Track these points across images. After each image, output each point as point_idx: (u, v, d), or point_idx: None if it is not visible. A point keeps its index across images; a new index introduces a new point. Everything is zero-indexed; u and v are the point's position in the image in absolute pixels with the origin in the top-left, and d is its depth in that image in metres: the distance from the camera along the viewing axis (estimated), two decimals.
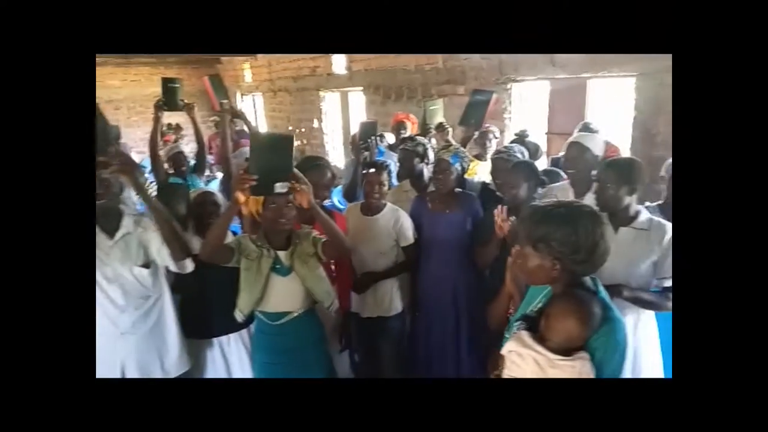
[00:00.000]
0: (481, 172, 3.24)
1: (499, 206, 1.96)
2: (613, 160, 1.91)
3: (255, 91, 9.48)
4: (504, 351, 1.19)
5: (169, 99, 3.04)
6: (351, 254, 2.25)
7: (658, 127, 3.12)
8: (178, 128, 7.32)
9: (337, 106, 7.27)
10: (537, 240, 1.14)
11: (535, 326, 1.17)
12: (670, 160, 2.07)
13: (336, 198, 3.65)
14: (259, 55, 8.54)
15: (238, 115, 3.57)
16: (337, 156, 7.30)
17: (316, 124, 7.62)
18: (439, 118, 3.51)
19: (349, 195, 3.11)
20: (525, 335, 1.15)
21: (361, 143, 3.08)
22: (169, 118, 8.56)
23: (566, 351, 1.10)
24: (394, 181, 3.27)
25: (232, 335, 2.24)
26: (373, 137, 3.12)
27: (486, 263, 2.20)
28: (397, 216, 2.40)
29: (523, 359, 1.13)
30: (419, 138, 3.02)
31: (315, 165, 2.30)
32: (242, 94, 9.99)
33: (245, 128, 4.15)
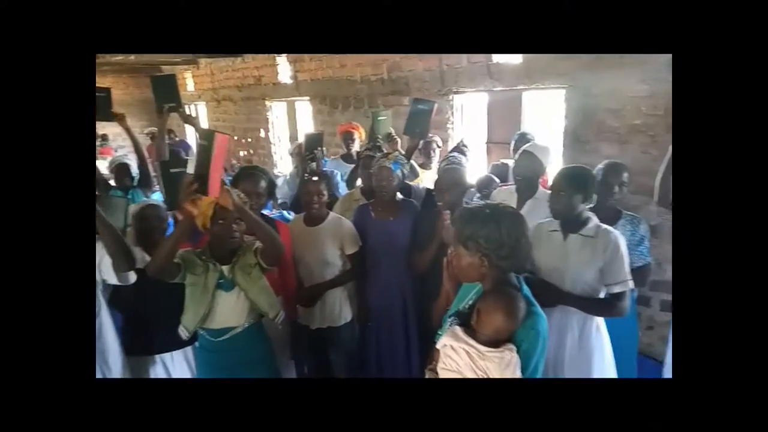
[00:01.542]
0: (426, 180, 3.35)
1: (445, 211, 2.04)
2: (567, 168, 1.96)
3: (198, 100, 9.23)
4: (439, 345, 1.27)
5: (97, 108, 2.89)
6: (288, 265, 2.24)
7: (587, 136, 3.36)
8: (104, 138, 6.99)
9: (284, 115, 7.23)
10: (466, 238, 1.26)
11: (467, 321, 1.26)
12: (600, 166, 2.26)
13: (285, 211, 3.64)
14: (202, 64, 8.34)
15: (188, 120, 3.38)
16: (284, 166, 7.24)
17: (262, 133, 7.53)
18: (387, 128, 3.59)
19: (296, 206, 3.11)
20: (458, 330, 1.24)
21: (307, 154, 3.08)
22: (103, 128, 8.18)
23: (495, 343, 1.20)
24: (342, 191, 3.33)
25: (175, 352, 2.17)
26: (319, 148, 3.14)
27: (422, 268, 2.26)
28: (340, 224, 2.43)
29: (456, 352, 1.22)
30: (381, 146, 3.10)
31: (249, 174, 2.30)
32: (184, 104, 9.67)
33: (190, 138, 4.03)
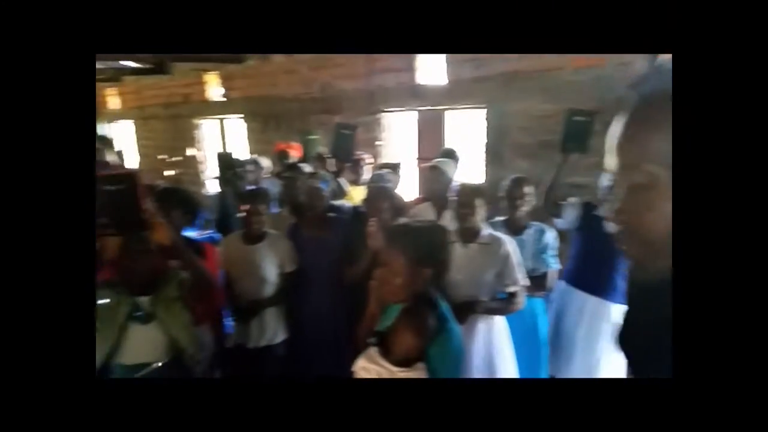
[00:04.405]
0: (357, 197, 3.43)
1: (372, 219, 2.12)
2: (465, 184, 2.17)
3: (123, 118, 8.81)
4: (355, 367, 1.29)
5: None
6: (215, 293, 2.16)
7: (504, 153, 3.60)
8: None
9: (215, 134, 7.07)
10: (395, 251, 1.27)
11: (382, 343, 1.29)
12: (506, 181, 2.45)
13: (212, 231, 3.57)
14: (127, 81, 8.00)
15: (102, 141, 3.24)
16: (213, 185, 7.05)
17: (190, 152, 7.32)
18: (318, 148, 3.65)
19: (222, 227, 3.08)
20: (373, 351, 1.27)
21: (228, 173, 3.09)
22: None
23: (407, 362, 1.23)
24: (275, 209, 3.33)
25: None
26: (240, 167, 3.14)
27: (352, 280, 2.31)
28: (280, 243, 2.45)
29: (369, 374, 1.24)
30: (302, 165, 3.15)
31: (172, 195, 2.23)
32: (109, 121, 9.21)
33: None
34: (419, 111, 4.22)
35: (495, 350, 2.05)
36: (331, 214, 2.60)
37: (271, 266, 2.39)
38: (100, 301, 1.70)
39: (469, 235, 2.04)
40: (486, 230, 2.07)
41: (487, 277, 2.00)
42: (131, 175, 1.55)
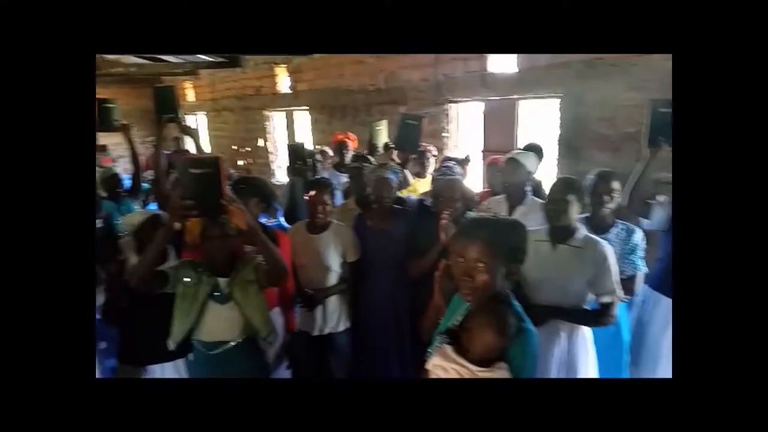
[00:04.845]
0: (421, 189, 3.35)
1: (445, 212, 2.05)
2: (561, 178, 1.99)
3: (198, 110, 9.29)
4: (429, 366, 1.24)
5: (103, 119, 2.94)
6: (288, 279, 2.24)
7: (581, 145, 3.38)
8: (103, 149, 7.02)
9: (283, 125, 7.27)
10: (467, 244, 1.20)
11: (456, 339, 1.24)
12: (591, 175, 2.28)
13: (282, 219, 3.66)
14: (202, 74, 8.41)
15: (187, 132, 3.34)
16: (282, 175, 7.27)
17: (260, 143, 7.57)
18: (384, 138, 3.62)
19: (290, 216, 3.12)
20: (448, 349, 1.22)
21: (298, 164, 3.12)
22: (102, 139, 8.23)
23: (486, 362, 1.18)
24: (338, 200, 3.35)
25: (167, 364, 2.13)
26: (310, 158, 3.17)
27: (416, 275, 2.26)
28: (344, 232, 2.45)
29: (447, 373, 1.19)
30: (370, 157, 3.14)
31: (249, 184, 2.32)
32: (185, 114, 9.76)
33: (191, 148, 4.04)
34: (487, 101, 4.07)
35: (576, 360, 1.85)
36: (396, 207, 2.56)
37: (334, 255, 2.41)
38: (184, 280, 1.82)
39: (562, 235, 1.84)
40: (581, 231, 1.85)
41: (577, 283, 1.79)
42: (216, 159, 1.61)
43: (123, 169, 3.80)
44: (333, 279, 2.44)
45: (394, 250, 2.45)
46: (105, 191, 3.32)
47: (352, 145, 4.01)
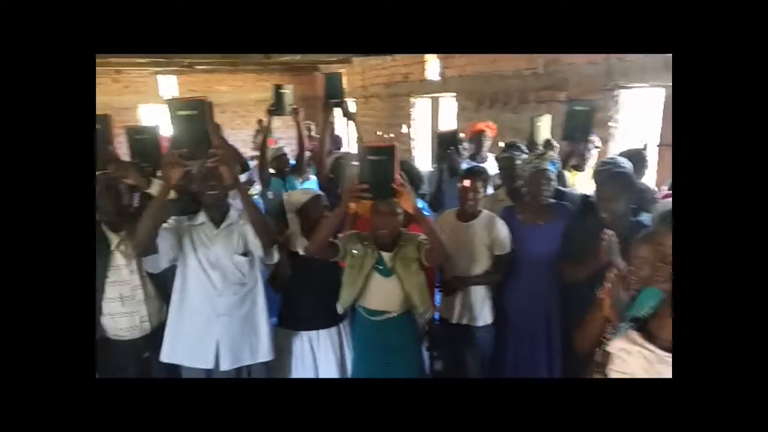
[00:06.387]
0: (579, 183, 3.07)
1: (607, 231, 1.83)
2: None
3: (348, 97, 9.78)
4: (613, 349, 1.23)
5: (279, 104, 3.22)
6: (450, 261, 2.24)
7: None
8: (268, 131, 7.72)
9: (427, 111, 7.27)
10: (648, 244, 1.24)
11: (643, 328, 1.21)
12: None
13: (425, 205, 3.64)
14: (355, 62, 8.81)
15: (350, 116, 3.40)
16: (423, 162, 7.30)
17: (404, 129, 7.69)
18: (546, 133, 3.36)
19: (435, 204, 3.09)
20: (635, 334, 1.19)
21: (449, 150, 3.08)
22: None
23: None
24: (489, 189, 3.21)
25: (323, 331, 2.32)
26: (456, 146, 3.09)
27: (572, 281, 2.10)
28: (494, 223, 2.36)
29: (631, 355, 1.17)
30: (521, 145, 2.99)
31: (406, 171, 2.39)
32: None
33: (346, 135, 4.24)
34: (668, 87, 3.50)
35: None
36: (552, 200, 2.36)
37: (481, 246, 2.34)
38: (352, 251, 2.00)
39: None
40: None
41: None
42: (392, 147, 1.77)
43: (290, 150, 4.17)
44: (477, 269, 2.36)
45: (547, 246, 2.28)
46: (274, 169, 3.65)
47: (491, 133, 3.81)
